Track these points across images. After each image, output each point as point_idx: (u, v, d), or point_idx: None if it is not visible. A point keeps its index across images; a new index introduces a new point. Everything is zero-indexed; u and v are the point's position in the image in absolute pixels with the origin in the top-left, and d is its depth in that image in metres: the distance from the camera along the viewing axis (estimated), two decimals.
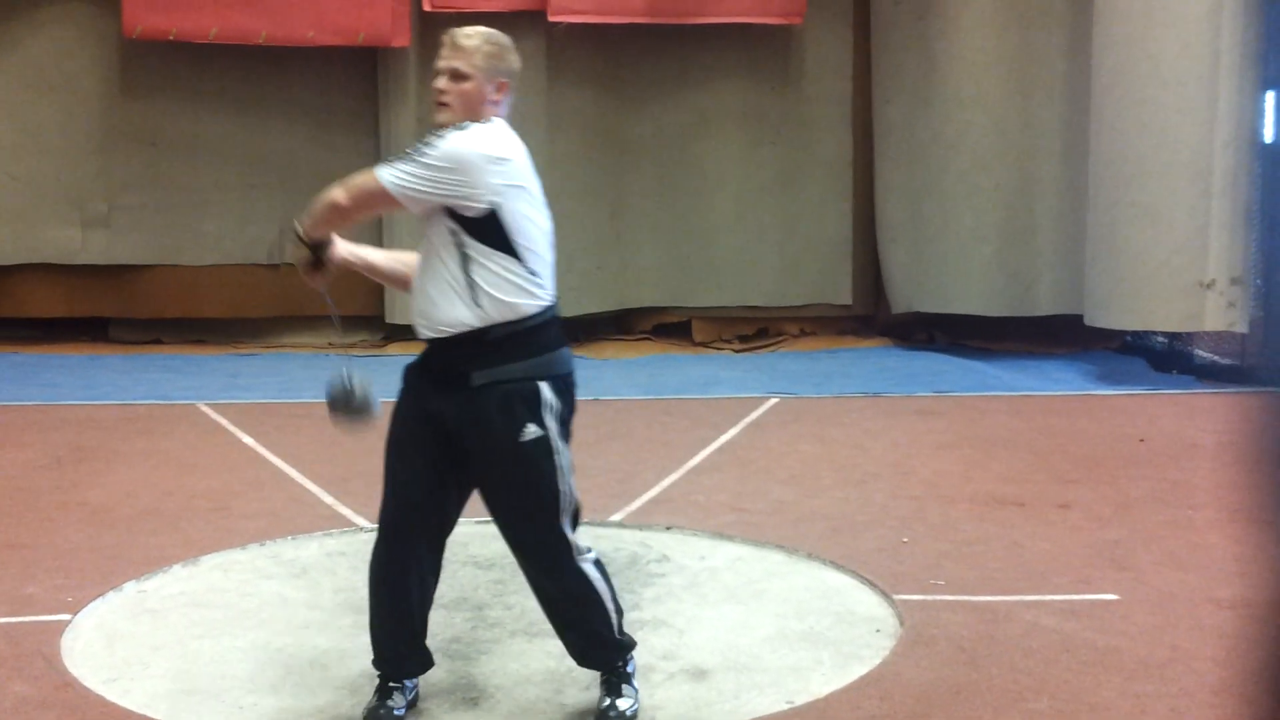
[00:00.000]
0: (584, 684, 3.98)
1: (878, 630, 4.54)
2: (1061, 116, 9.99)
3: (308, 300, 10.96)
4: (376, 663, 3.91)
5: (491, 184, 3.58)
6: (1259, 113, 8.95)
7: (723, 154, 11.00)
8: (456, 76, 3.70)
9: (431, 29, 10.17)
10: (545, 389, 3.69)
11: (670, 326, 11.26)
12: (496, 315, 3.64)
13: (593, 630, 3.86)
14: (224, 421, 7.82)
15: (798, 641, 4.46)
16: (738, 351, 10.84)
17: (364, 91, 10.69)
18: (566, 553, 3.77)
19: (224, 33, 9.97)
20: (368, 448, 7.20)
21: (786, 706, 3.93)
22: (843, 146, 11.09)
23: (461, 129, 3.63)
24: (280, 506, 6.03)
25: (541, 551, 3.80)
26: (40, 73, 10.48)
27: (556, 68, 10.50)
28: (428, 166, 3.57)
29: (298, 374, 9.64)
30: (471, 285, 3.63)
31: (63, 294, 10.73)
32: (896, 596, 4.77)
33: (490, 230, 3.61)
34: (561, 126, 10.58)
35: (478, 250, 3.62)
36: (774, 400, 8.48)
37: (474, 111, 3.69)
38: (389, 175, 3.60)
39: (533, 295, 3.69)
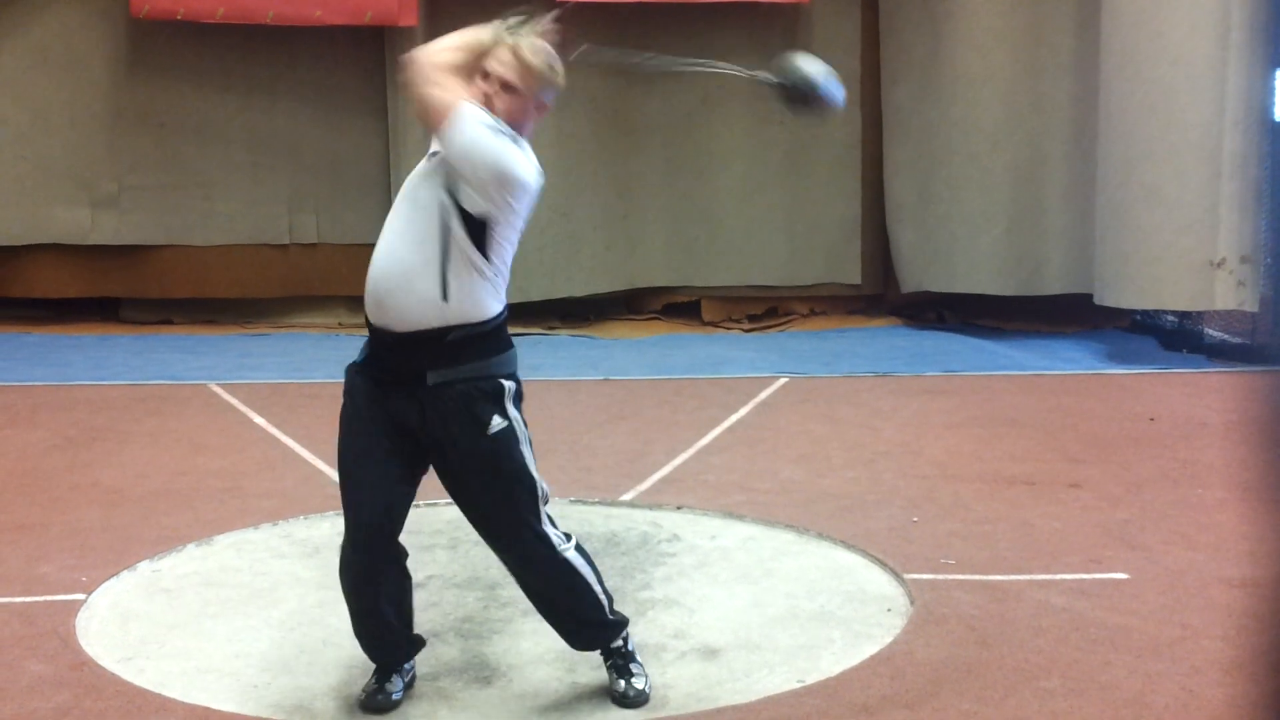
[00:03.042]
0: (595, 663, 3.99)
1: (888, 609, 4.55)
2: (1070, 95, 9.95)
3: (317, 280, 11.02)
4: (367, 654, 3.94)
5: (510, 205, 3.56)
6: (1269, 91, 8.90)
7: (731, 134, 10.98)
8: (507, 88, 3.67)
9: (438, 7, 10.15)
10: (505, 382, 3.66)
11: (679, 306, 11.26)
12: (458, 316, 3.57)
13: (584, 616, 3.85)
14: (235, 401, 7.84)
15: (808, 620, 4.47)
16: (747, 331, 10.84)
17: (372, 71, 10.67)
18: (547, 543, 3.73)
19: (231, 12, 9.96)
20: None
21: (797, 685, 3.95)
22: (851, 126, 11.05)
23: (521, 146, 3.61)
24: (292, 486, 6.05)
25: (522, 545, 3.74)
26: (47, 53, 10.48)
27: (563, 47, 10.46)
28: (489, 146, 3.51)
29: (308, 354, 9.66)
30: (444, 279, 3.54)
31: (73, 274, 10.75)
32: (907, 576, 4.78)
33: (475, 229, 3.55)
34: (569, 106, 10.55)
35: (458, 236, 3.53)
36: (784, 380, 8.49)
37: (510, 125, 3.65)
38: (470, 112, 3.53)
39: (493, 301, 3.64)
